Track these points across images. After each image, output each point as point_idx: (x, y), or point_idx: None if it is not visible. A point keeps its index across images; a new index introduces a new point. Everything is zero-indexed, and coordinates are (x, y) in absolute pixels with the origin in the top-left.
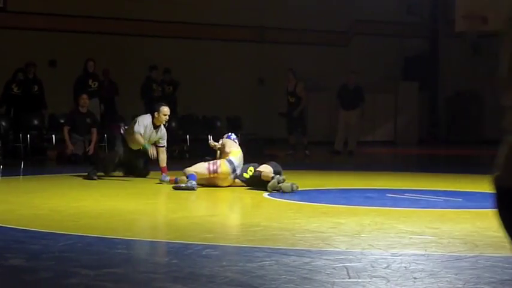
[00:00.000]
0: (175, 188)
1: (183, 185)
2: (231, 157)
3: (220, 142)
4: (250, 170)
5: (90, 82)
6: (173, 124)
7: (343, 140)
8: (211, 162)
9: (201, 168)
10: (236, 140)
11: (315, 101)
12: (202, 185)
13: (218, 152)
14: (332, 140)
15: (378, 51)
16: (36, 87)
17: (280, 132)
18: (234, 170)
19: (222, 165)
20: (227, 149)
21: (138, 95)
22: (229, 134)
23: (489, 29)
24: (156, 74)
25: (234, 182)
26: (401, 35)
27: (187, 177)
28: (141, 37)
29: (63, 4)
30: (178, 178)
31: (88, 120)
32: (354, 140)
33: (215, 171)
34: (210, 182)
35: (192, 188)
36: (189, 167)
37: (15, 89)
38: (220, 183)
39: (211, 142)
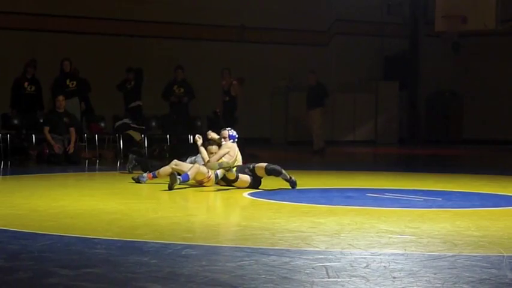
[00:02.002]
0: (172, 178)
1: (179, 178)
2: (218, 171)
3: (223, 142)
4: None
5: (67, 82)
6: (153, 123)
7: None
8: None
9: (204, 169)
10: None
11: (296, 101)
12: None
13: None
14: (311, 139)
15: (358, 51)
16: (33, 87)
17: (260, 132)
18: (216, 183)
19: (212, 177)
20: (215, 157)
21: (117, 95)
22: (232, 133)
23: (469, 28)
24: (180, 75)
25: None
26: (381, 34)
27: (177, 174)
28: (122, 37)
29: (42, 3)
30: (156, 172)
31: (66, 119)
32: (320, 139)
33: (208, 179)
34: (195, 180)
35: (170, 187)
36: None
37: None
38: (203, 183)
39: (211, 134)
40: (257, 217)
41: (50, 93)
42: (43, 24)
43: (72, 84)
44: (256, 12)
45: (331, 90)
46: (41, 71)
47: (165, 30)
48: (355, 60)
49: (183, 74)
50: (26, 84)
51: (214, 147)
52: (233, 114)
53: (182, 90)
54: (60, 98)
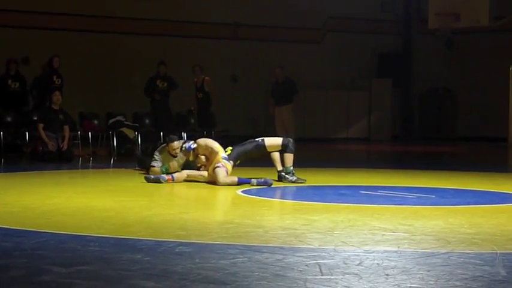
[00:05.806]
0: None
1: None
2: (221, 154)
3: (202, 152)
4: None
5: (54, 78)
6: (146, 121)
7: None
8: (222, 166)
9: (223, 173)
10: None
11: None
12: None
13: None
14: (304, 137)
15: (352, 48)
16: (17, 84)
17: (253, 130)
18: (233, 165)
19: (227, 165)
20: (212, 149)
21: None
22: (189, 144)
23: (462, 26)
24: (164, 70)
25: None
26: (374, 32)
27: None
28: (114, 34)
29: (31, 1)
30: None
31: (61, 117)
32: (291, 136)
33: (227, 172)
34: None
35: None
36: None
37: None
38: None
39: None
40: (250, 214)
41: (32, 89)
42: (33, 21)
43: (58, 81)
44: (249, 9)
45: (325, 88)
46: (28, 68)
47: (158, 27)
48: (349, 57)
49: (165, 69)
50: (9, 81)
51: (202, 157)
52: (209, 110)
53: (166, 84)
54: (57, 93)
